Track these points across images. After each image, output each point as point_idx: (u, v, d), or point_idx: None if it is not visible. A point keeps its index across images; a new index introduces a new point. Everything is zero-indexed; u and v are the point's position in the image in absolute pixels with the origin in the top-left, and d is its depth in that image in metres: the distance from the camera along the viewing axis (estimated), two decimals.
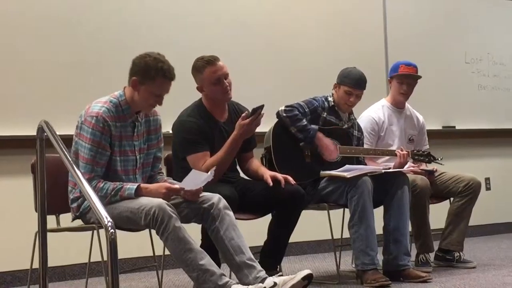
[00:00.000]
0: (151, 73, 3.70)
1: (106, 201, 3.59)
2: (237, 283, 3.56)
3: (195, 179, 3.77)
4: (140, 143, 3.90)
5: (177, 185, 3.76)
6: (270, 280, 3.56)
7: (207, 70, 4.20)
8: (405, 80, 5.13)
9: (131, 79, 3.75)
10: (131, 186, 3.67)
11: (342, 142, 4.72)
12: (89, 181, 3.50)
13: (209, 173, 3.80)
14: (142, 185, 3.73)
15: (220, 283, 3.49)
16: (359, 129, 4.92)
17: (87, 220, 3.78)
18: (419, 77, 5.16)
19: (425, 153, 5.01)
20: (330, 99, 4.79)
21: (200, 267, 3.50)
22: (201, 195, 3.78)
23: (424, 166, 5.17)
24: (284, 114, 4.58)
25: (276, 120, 4.64)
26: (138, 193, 3.67)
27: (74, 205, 3.80)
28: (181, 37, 5.95)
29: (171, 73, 3.75)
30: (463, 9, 7.74)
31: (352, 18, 6.98)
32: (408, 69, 5.13)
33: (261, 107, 4.15)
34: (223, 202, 3.76)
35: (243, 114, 4.19)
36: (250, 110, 4.37)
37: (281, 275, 3.70)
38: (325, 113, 4.73)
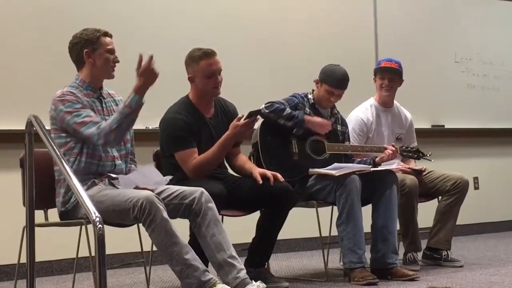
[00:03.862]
0: (95, 37, 3.84)
1: (121, 125, 3.68)
2: (222, 282, 3.56)
3: (149, 175, 3.82)
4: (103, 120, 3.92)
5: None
6: None
7: (203, 62, 4.22)
8: (386, 74, 5.13)
9: (84, 53, 3.84)
10: (130, 100, 3.70)
11: (328, 139, 4.72)
12: (93, 135, 3.67)
13: (165, 178, 3.86)
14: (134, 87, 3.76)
15: (203, 279, 3.49)
16: (343, 123, 4.91)
17: (75, 215, 3.77)
18: (398, 70, 5.13)
19: (414, 149, 5.01)
20: (310, 96, 4.79)
21: (185, 261, 3.50)
22: (182, 190, 3.78)
23: (413, 165, 5.18)
24: (267, 111, 4.56)
25: (262, 120, 4.63)
26: (137, 94, 3.71)
27: (60, 200, 3.81)
28: (173, 34, 5.94)
29: (106, 30, 3.91)
30: (453, 8, 7.75)
31: (342, 17, 6.98)
32: (389, 64, 5.14)
33: (258, 111, 4.18)
34: (205, 195, 3.74)
35: (239, 116, 4.21)
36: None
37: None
38: (308, 110, 4.73)
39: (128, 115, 3.70)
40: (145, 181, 3.78)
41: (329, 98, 4.70)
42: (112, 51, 3.89)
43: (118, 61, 3.91)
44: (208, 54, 4.23)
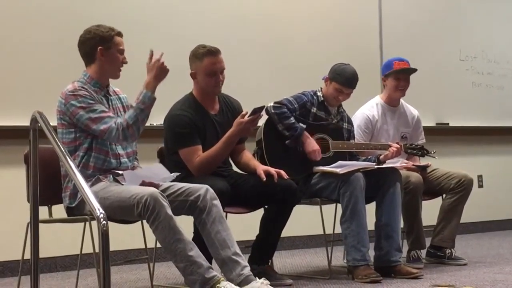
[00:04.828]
0: (109, 36, 3.83)
1: (137, 121, 3.69)
2: (225, 280, 3.56)
3: (157, 172, 3.82)
4: (118, 116, 3.90)
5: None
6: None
7: (207, 60, 4.22)
8: (401, 75, 5.13)
9: (98, 50, 3.82)
10: (142, 97, 3.72)
11: (333, 137, 4.73)
12: (111, 130, 3.66)
13: (172, 174, 3.86)
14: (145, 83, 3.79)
15: (207, 276, 3.49)
16: (349, 121, 4.92)
17: (81, 211, 3.77)
18: (416, 70, 5.16)
19: (418, 146, 5.01)
20: (319, 93, 4.79)
21: (189, 258, 3.50)
22: (187, 187, 3.78)
23: (417, 162, 5.18)
24: (273, 111, 4.57)
25: (267, 118, 4.63)
26: (149, 90, 3.73)
27: (67, 195, 3.80)
28: (177, 32, 5.94)
29: (119, 30, 3.90)
30: (458, 6, 7.74)
31: (347, 14, 6.97)
32: (403, 64, 5.13)
33: (262, 108, 4.18)
34: (210, 192, 3.74)
35: (243, 113, 4.21)
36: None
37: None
38: (315, 108, 4.73)
39: (143, 110, 3.71)
40: (151, 176, 3.78)
41: (338, 96, 4.71)
42: (122, 52, 3.88)
43: (126, 62, 3.90)
44: (212, 53, 4.23)
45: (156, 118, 5.31)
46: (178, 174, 3.92)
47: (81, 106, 3.70)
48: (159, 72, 3.73)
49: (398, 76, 5.12)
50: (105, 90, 3.91)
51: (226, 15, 6.27)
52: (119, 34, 3.87)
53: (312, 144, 4.61)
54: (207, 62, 4.22)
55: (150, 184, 3.73)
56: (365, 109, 5.18)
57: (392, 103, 5.23)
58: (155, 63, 3.73)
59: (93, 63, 3.86)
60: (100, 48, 3.81)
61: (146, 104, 3.71)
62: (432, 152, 4.97)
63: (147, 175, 3.78)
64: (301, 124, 4.59)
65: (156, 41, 5.66)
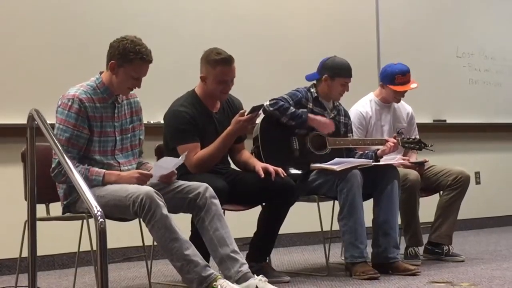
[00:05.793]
0: (129, 56, 3.72)
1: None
2: (223, 277, 3.56)
3: (166, 164, 3.80)
4: (122, 124, 3.90)
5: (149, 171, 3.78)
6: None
7: (220, 68, 4.21)
8: (403, 92, 5.14)
9: (109, 63, 3.76)
10: (97, 177, 3.67)
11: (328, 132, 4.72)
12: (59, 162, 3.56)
13: (180, 157, 3.84)
14: (109, 172, 3.72)
15: (204, 274, 3.49)
16: (345, 114, 4.92)
17: (77, 209, 3.77)
18: (416, 87, 5.14)
19: (416, 140, 5.01)
20: (312, 90, 4.78)
21: (185, 257, 3.50)
22: (187, 185, 3.78)
23: (414, 159, 5.18)
24: (271, 108, 4.57)
25: (263, 115, 4.62)
26: (104, 181, 3.68)
27: (61, 193, 3.80)
28: (176, 30, 5.93)
29: (149, 55, 3.77)
30: (455, 3, 7.74)
31: (345, 11, 6.97)
32: (405, 79, 5.07)
33: (260, 107, 4.17)
34: (210, 191, 3.75)
35: (241, 111, 4.20)
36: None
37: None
38: (311, 104, 4.73)
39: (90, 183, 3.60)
40: (168, 167, 3.79)
41: (344, 90, 4.72)
42: (136, 78, 3.77)
43: (138, 87, 3.83)
44: (226, 61, 4.22)
45: (154, 116, 5.31)
46: (186, 153, 3.92)
47: (63, 119, 3.69)
48: (136, 181, 3.69)
49: (399, 90, 5.11)
50: (114, 97, 3.85)
51: (224, 14, 6.25)
52: (142, 60, 3.73)
53: (321, 121, 4.64)
54: (219, 71, 4.21)
55: (171, 174, 3.78)
56: (358, 106, 5.18)
57: (385, 100, 5.22)
58: (143, 177, 3.70)
59: (107, 70, 3.82)
60: (113, 62, 3.76)
61: (93, 183, 3.63)
62: (430, 146, 4.97)
63: (165, 168, 3.79)
64: (302, 109, 4.59)
65: (156, 40, 5.65)
